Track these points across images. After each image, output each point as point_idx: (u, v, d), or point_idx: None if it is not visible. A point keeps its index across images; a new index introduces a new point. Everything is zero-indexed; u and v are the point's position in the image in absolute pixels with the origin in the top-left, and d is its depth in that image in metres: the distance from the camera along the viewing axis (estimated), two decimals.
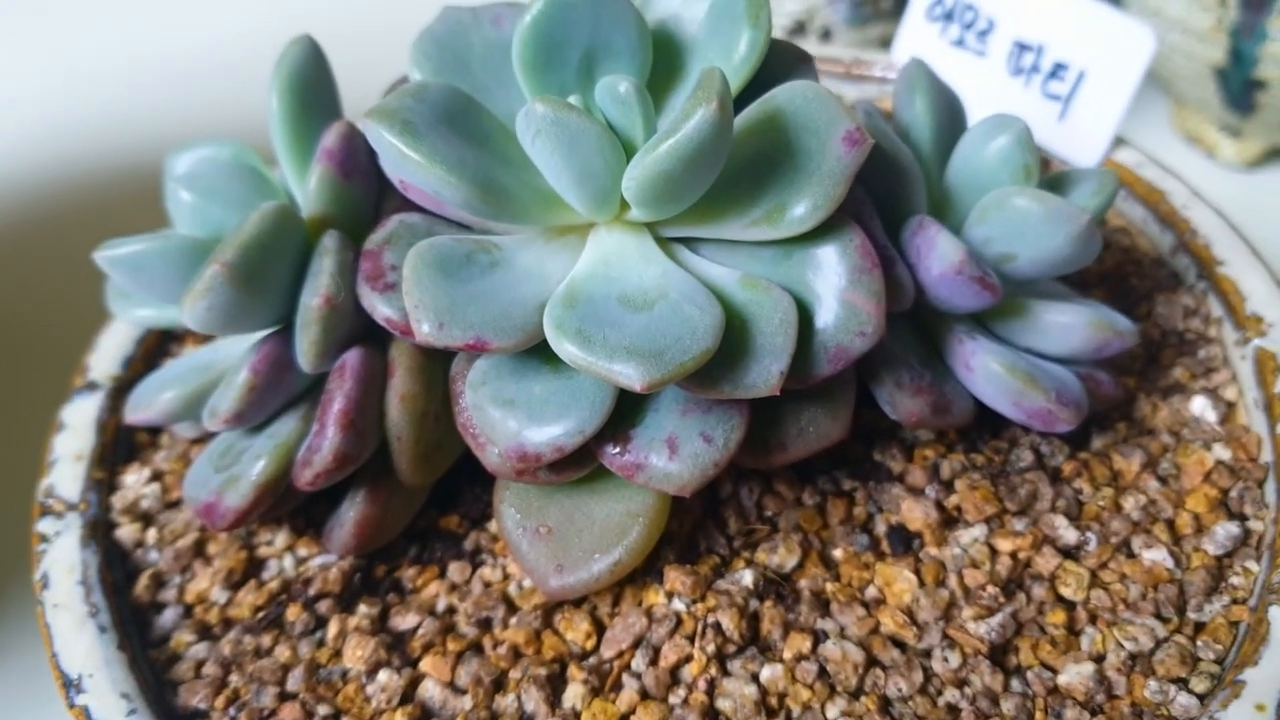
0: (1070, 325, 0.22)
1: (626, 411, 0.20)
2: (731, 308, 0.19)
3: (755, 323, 0.19)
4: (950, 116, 0.23)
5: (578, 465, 0.20)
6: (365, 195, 0.21)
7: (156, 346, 0.26)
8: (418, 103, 0.19)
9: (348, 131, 0.21)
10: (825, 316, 0.20)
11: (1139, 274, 0.27)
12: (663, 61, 0.21)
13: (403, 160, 0.18)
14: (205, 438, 0.24)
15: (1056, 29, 0.29)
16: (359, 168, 0.21)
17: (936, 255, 0.20)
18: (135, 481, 0.24)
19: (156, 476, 0.24)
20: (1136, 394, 0.24)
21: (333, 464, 0.20)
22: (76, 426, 0.24)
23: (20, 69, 0.58)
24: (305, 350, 0.20)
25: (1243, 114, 0.47)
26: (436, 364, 0.21)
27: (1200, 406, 0.24)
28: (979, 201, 0.22)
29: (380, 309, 0.20)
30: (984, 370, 0.21)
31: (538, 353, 0.20)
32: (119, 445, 0.25)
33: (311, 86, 0.22)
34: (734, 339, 0.19)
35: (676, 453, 0.20)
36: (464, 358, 0.21)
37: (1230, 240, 0.26)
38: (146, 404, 0.22)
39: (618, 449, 0.20)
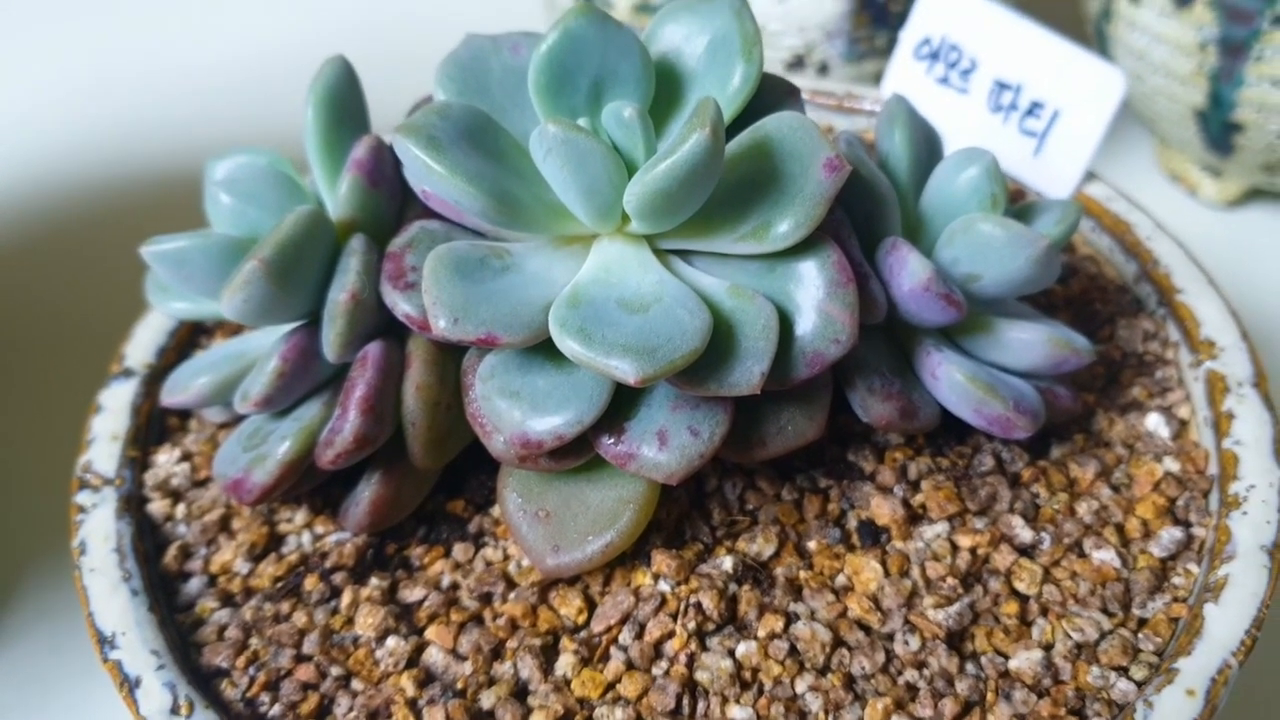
0: (1030, 342, 0.24)
1: (622, 406, 0.22)
2: (719, 314, 0.21)
3: (740, 328, 0.21)
4: (927, 148, 0.25)
5: (576, 454, 0.22)
6: (390, 203, 0.23)
7: (188, 339, 0.28)
8: (442, 120, 0.21)
9: (376, 144, 0.23)
10: (804, 325, 0.22)
11: (1103, 299, 0.29)
12: (664, 90, 0.23)
13: (427, 172, 0.20)
14: (232, 422, 0.26)
15: (1034, 69, 0.31)
16: (385, 178, 0.23)
17: (907, 273, 0.22)
18: (166, 461, 0.26)
19: (186, 457, 0.26)
20: (1095, 410, 0.26)
21: (353, 445, 0.22)
22: (113, 409, 0.26)
23: (64, 75, 0.61)
24: (331, 341, 0.22)
25: (1222, 155, 0.49)
26: (449, 358, 0.23)
27: (1154, 423, 0.26)
28: (948, 226, 0.24)
29: (401, 306, 0.22)
30: (949, 379, 0.23)
31: (542, 350, 0.22)
32: (151, 428, 0.27)
33: (344, 102, 0.24)
34: (721, 342, 0.21)
35: (666, 444, 0.21)
36: (475, 353, 0.23)
37: (1189, 270, 0.28)
38: (182, 388, 0.24)
39: (613, 439, 0.22)
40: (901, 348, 0.24)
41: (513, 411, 0.21)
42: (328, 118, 0.23)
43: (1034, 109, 0.31)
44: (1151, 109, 0.50)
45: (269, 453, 0.22)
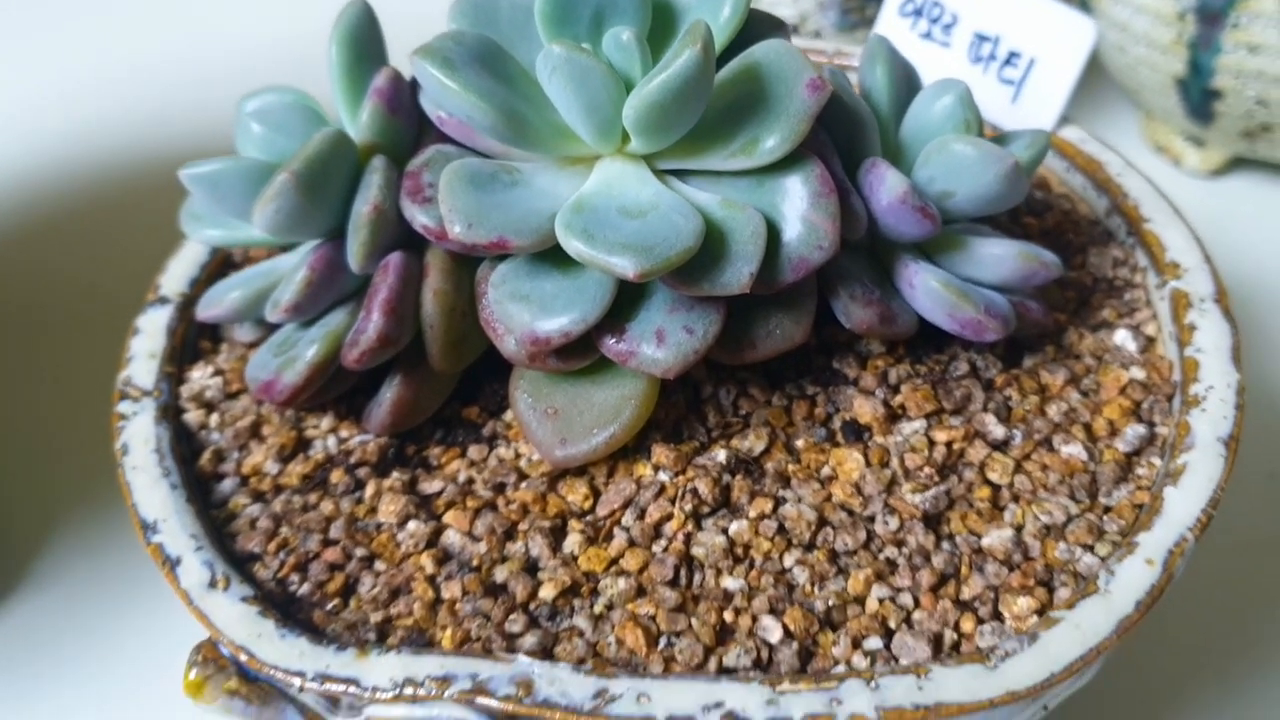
0: (1001, 256, 0.26)
1: (623, 308, 0.24)
2: (712, 222, 0.23)
3: (731, 234, 0.23)
4: (906, 83, 0.27)
5: (581, 355, 0.24)
6: (408, 129, 0.25)
7: (217, 270, 0.30)
8: (456, 44, 0.23)
9: (395, 75, 0.25)
10: (790, 233, 0.24)
11: (1076, 232, 0.31)
12: (659, 22, 0.25)
13: (442, 89, 0.22)
14: (260, 341, 0.28)
15: (1011, 21, 0.33)
16: (403, 106, 0.25)
17: (885, 188, 0.24)
18: (200, 376, 0.28)
19: (218, 373, 0.28)
20: (1066, 328, 0.28)
21: (376, 343, 0.24)
22: (150, 331, 0.28)
23: (88, 68, 0.63)
24: (355, 251, 0.24)
25: (1203, 123, 0.51)
26: (464, 268, 0.25)
27: (1122, 337, 0.28)
28: (924, 148, 0.25)
29: (419, 218, 0.24)
30: (924, 287, 0.25)
31: (549, 258, 0.24)
32: (185, 349, 0.29)
33: (364, 41, 0.26)
34: (713, 246, 0.23)
35: (663, 342, 0.23)
36: (487, 264, 0.25)
37: (1156, 202, 0.30)
38: (216, 302, 0.26)
39: (615, 339, 0.24)
40: (881, 264, 0.26)
41: (522, 313, 0.23)
42: (350, 54, 0.25)
43: (1011, 58, 0.33)
44: (1135, 79, 0.52)
45: (298, 355, 0.24)
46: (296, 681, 0.21)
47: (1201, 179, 0.56)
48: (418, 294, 0.24)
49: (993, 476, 0.25)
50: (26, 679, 0.37)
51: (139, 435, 0.26)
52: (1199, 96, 0.49)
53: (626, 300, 0.24)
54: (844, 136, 0.25)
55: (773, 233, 0.23)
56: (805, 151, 0.24)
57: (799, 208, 0.24)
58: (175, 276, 0.30)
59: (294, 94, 0.27)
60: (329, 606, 0.23)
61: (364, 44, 0.26)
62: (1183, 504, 0.23)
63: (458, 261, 0.25)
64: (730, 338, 0.24)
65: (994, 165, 0.24)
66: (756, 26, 0.25)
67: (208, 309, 0.26)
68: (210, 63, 0.63)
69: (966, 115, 0.26)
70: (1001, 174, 0.24)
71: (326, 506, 0.25)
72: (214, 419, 0.27)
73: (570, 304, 0.23)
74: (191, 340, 0.29)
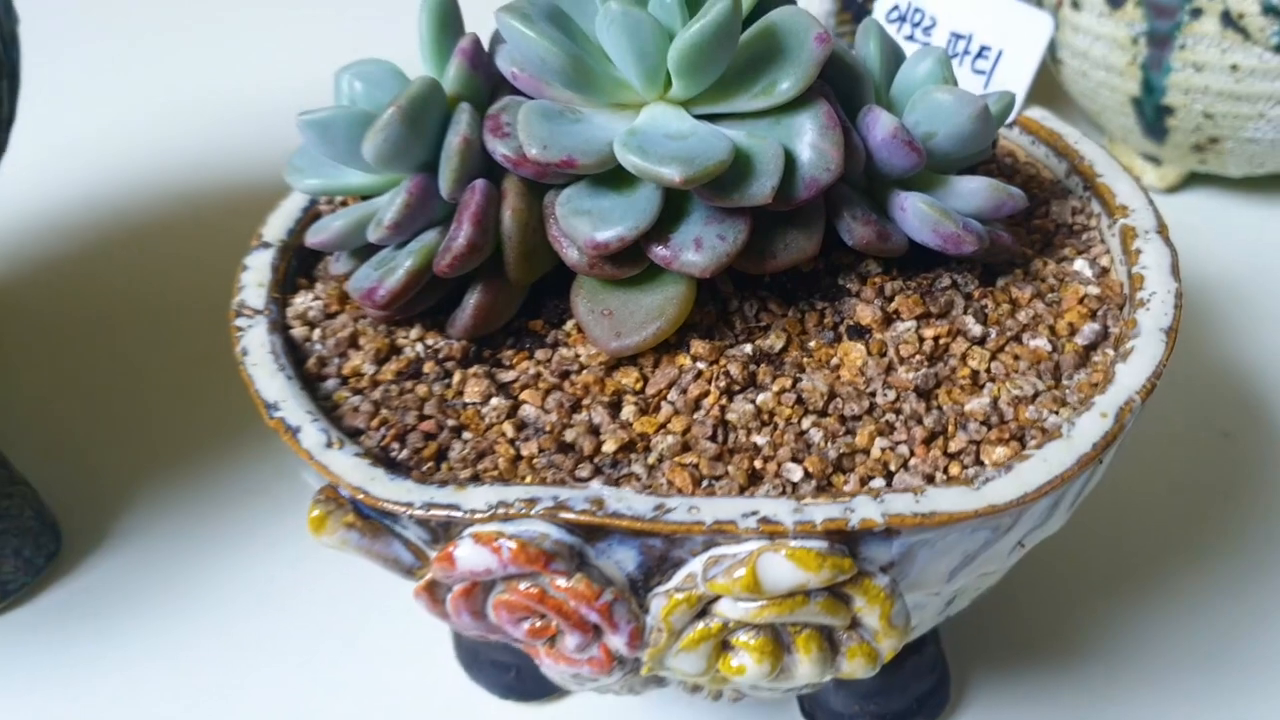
0: (976, 189, 0.31)
1: (667, 222, 0.29)
2: (740, 149, 0.28)
3: (756, 157, 0.28)
4: (894, 55, 0.33)
5: (632, 263, 0.29)
6: (485, 85, 0.31)
7: (309, 221, 0.35)
8: (530, 5, 0.28)
9: (475, 39, 0.31)
10: (802, 158, 0.29)
11: (1041, 189, 0.36)
12: None
13: (522, 37, 0.28)
14: (350, 273, 0.33)
15: (981, 21, 0.39)
16: (483, 64, 0.31)
17: (879, 126, 0.30)
18: (302, 301, 0.33)
19: (317, 298, 0.33)
20: (1033, 260, 0.33)
21: (466, 249, 0.29)
22: (257, 267, 0.33)
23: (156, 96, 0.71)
24: (447, 177, 0.29)
25: (1158, 140, 0.57)
26: (534, 194, 0.30)
27: (1081, 265, 0.33)
28: (910, 98, 0.31)
29: (499, 149, 0.29)
30: (913, 209, 0.30)
31: (606, 180, 0.29)
32: (287, 283, 0.34)
33: (447, 13, 0.31)
34: (741, 166, 0.28)
35: (701, 248, 0.28)
36: (554, 191, 0.30)
37: (1107, 161, 0.36)
38: (323, 229, 0.31)
39: (660, 246, 0.29)
40: (876, 199, 0.32)
41: (584, 225, 0.28)
42: (436, 24, 0.31)
43: (983, 51, 0.39)
44: (1097, 102, 0.58)
45: (398, 264, 0.29)
46: (406, 511, 0.26)
47: (1159, 195, 0.62)
48: (498, 213, 0.29)
49: (973, 364, 0.30)
50: (109, 629, 0.42)
51: (256, 341, 0.31)
52: (1153, 113, 0.55)
53: (669, 215, 0.29)
54: (844, 89, 0.31)
55: (789, 159, 0.29)
56: (814, 95, 0.29)
57: (809, 138, 0.29)
58: (275, 227, 0.35)
59: (388, 63, 0.32)
60: (424, 468, 0.28)
61: (447, 16, 0.31)
62: (1130, 375, 0.28)
63: (529, 187, 0.30)
64: (754, 250, 0.29)
65: (968, 108, 0.30)
66: (771, 2, 0.31)
67: (316, 235, 0.31)
68: (260, 98, 0.69)
69: (945, 74, 0.31)
70: (974, 115, 0.30)
71: (420, 390, 0.30)
72: (316, 333, 0.32)
73: (625, 216, 0.28)
74: (291, 276, 0.34)
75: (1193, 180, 0.61)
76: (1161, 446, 0.46)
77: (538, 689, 0.38)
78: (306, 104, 0.65)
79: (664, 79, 0.29)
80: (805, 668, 0.27)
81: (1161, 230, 0.33)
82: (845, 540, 0.25)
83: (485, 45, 0.31)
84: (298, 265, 0.35)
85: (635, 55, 0.28)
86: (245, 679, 0.40)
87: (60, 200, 0.65)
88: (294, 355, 0.31)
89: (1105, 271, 0.33)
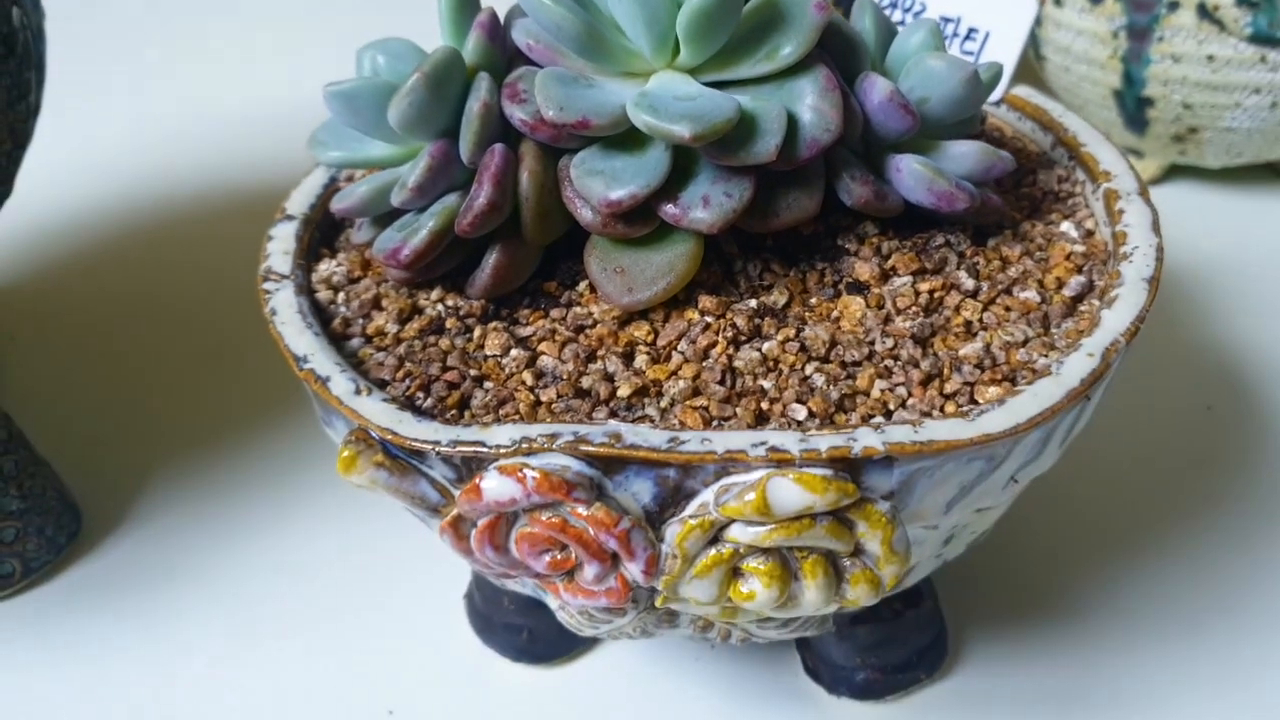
0: (967, 151, 0.33)
1: (675, 181, 0.30)
2: (745, 111, 0.30)
3: (760, 118, 0.30)
4: (887, 28, 0.35)
5: (643, 222, 0.31)
6: (502, 57, 0.32)
7: (330, 195, 0.37)
8: None
9: (493, 13, 0.32)
10: (804, 120, 0.30)
11: (1028, 160, 0.38)
12: None
13: (538, 6, 0.29)
14: (371, 242, 0.35)
15: (967, 4, 0.41)
16: (499, 37, 0.32)
17: (876, 90, 0.32)
18: (325, 267, 0.34)
19: (340, 265, 0.35)
20: (1021, 222, 0.35)
21: (486, 208, 0.30)
22: (281, 237, 0.35)
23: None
24: (468, 141, 0.31)
25: (1139, 131, 0.59)
26: (550, 158, 0.31)
27: (1067, 227, 0.35)
28: (904, 65, 0.33)
29: (517, 114, 0.31)
30: (908, 169, 0.32)
31: (618, 143, 0.31)
32: (311, 252, 0.35)
33: None
34: (746, 126, 0.30)
35: (708, 205, 0.30)
36: (567, 156, 0.31)
37: (1090, 132, 0.38)
38: (348, 195, 0.33)
39: (670, 204, 0.30)
40: (872, 164, 0.33)
41: (598, 184, 0.30)
42: (455, 3, 0.33)
43: (970, 33, 0.41)
44: (1079, 96, 0.60)
45: (421, 225, 0.31)
46: (433, 450, 0.27)
47: None
48: (516, 176, 0.31)
49: (966, 314, 0.31)
50: (129, 607, 0.43)
51: (284, 301, 0.32)
52: (1134, 105, 0.57)
53: (678, 176, 0.31)
54: (842, 59, 0.33)
55: (791, 121, 0.30)
56: (814, 60, 0.31)
57: (810, 100, 0.31)
58: (297, 201, 0.36)
59: (406, 40, 0.34)
60: (448, 415, 0.30)
61: None
62: (1115, 320, 0.30)
63: (545, 151, 0.31)
64: (758, 209, 0.31)
65: (959, 72, 0.32)
66: None
67: (341, 202, 0.33)
68: (268, 103, 0.71)
69: (936, 44, 0.33)
70: (965, 79, 0.32)
71: (444, 343, 0.31)
72: (340, 297, 0.33)
73: (636, 175, 0.30)
74: (315, 246, 0.36)
75: (1173, 173, 0.63)
76: (1150, 419, 0.48)
77: (549, 650, 0.40)
78: (314, 110, 0.67)
79: (672, 47, 0.31)
80: (812, 594, 0.28)
81: (1143, 192, 0.35)
82: (848, 468, 0.27)
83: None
84: (320, 237, 0.36)
85: (646, 22, 0.30)
86: (261, 654, 0.41)
87: (82, 196, 0.66)
88: (320, 317, 0.33)
89: (1090, 233, 0.35)
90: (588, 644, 0.40)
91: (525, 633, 0.39)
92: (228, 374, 0.53)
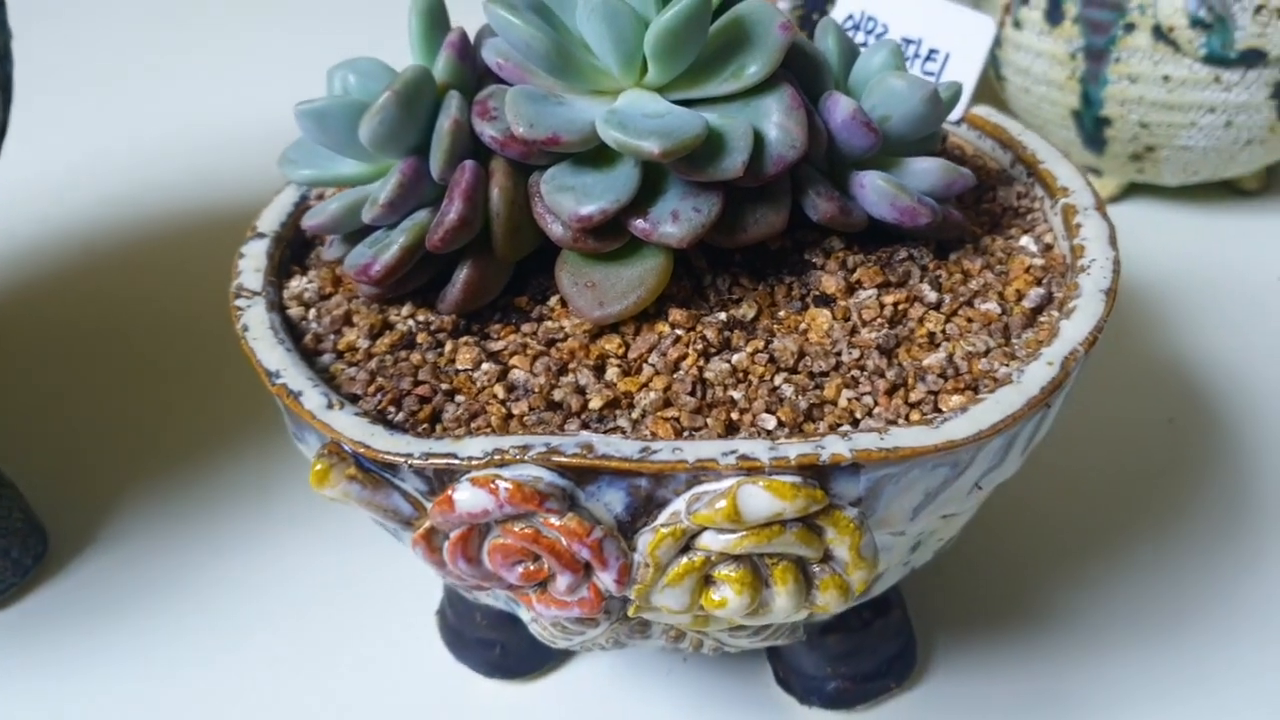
0: (929, 168, 0.33)
1: (645, 197, 0.31)
2: (712, 128, 0.31)
3: (727, 135, 0.31)
4: (850, 49, 0.35)
5: (613, 237, 0.31)
6: (471, 75, 0.33)
7: (300, 214, 0.37)
8: None
9: (463, 32, 0.33)
10: (770, 137, 0.31)
11: (988, 178, 0.39)
12: None
13: (509, 25, 0.30)
14: (342, 259, 0.35)
15: (928, 25, 0.42)
16: (469, 56, 0.33)
17: (839, 109, 0.32)
18: (297, 284, 0.35)
19: (311, 281, 0.35)
20: (982, 237, 0.36)
21: (457, 223, 0.31)
22: (252, 255, 0.35)
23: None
24: (438, 158, 0.31)
25: (1098, 150, 0.60)
26: (520, 174, 0.32)
27: (1026, 241, 0.36)
28: (867, 84, 0.33)
29: (487, 131, 0.31)
30: (871, 185, 0.33)
31: (587, 159, 0.31)
32: (282, 270, 0.35)
33: (435, 12, 0.33)
34: (714, 143, 0.30)
35: (678, 220, 0.31)
36: (538, 172, 0.32)
37: (1048, 150, 0.38)
38: (320, 212, 0.33)
39: (640, 219, 0.31)
40: (836, 180, 0.34)
41: (568, 200, 0.31)
42: (425, 22, 0.33)
43: (931, 55, 0.42)
44: (1039, 117, 0.61)
45: (392, 241, 0.31)
46: (405, 462, 0.28)
47: None
48: (486, 192, 0.31)
49: (929, 326, 0.32)
50: (96, 630, 0.43)
51: (255, 318, 0.32)
52: (1092, 125, 0.58)
53: (647, 191, 0.31)
54: (806, 78, 0.33)
55: (757, 138, 0.31)
56: (779, 79, 0.32)
57: (776, 118, 0.31)
58: (268, 219, 0.37)
59: (376, 59, 0.34)
60: (420, 429, 0.30)
61: (435, 14, 0.33)
62: (1074, 329, 0.31)
63: (515, 167, 0.32)
64: (727, 224, 0.32)
65: (919, 91, 0.32)
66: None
67: (312, 219, 0.33)
68: (243, 128, 0.71)
69: (898, 64, 0.34)
70: (925, 98, 0.32)
71: (415, 358, 0.31)
72: (311, 313, 0.34)
73: (606, 190, 0.30)
74: (286, 263, 0.36)
75: (1131, 191, 0.64)
76: (1113, 431, 0.49)
77: (522, 665, 0.40)
78: (282, 128, 0.67)
79: (640, 65, 0.31)
80: (782, 600, 0.28)
81: (1099, 207, 0.35)
82: (817, 475, 0.27)
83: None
84: (291, 254, 0.36)
85: (614, 41, 0.30)
86: (231, 675, 0.41)
87: (45, 215, 0.66)
88: (292, 333, 0.33)
89: (1049, 247, 0.36)
90: (560, 659, 0.40)
91: (498, 648, 0.39)
92: (195, 392, 0.53)
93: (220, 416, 0.51)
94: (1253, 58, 0.53)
